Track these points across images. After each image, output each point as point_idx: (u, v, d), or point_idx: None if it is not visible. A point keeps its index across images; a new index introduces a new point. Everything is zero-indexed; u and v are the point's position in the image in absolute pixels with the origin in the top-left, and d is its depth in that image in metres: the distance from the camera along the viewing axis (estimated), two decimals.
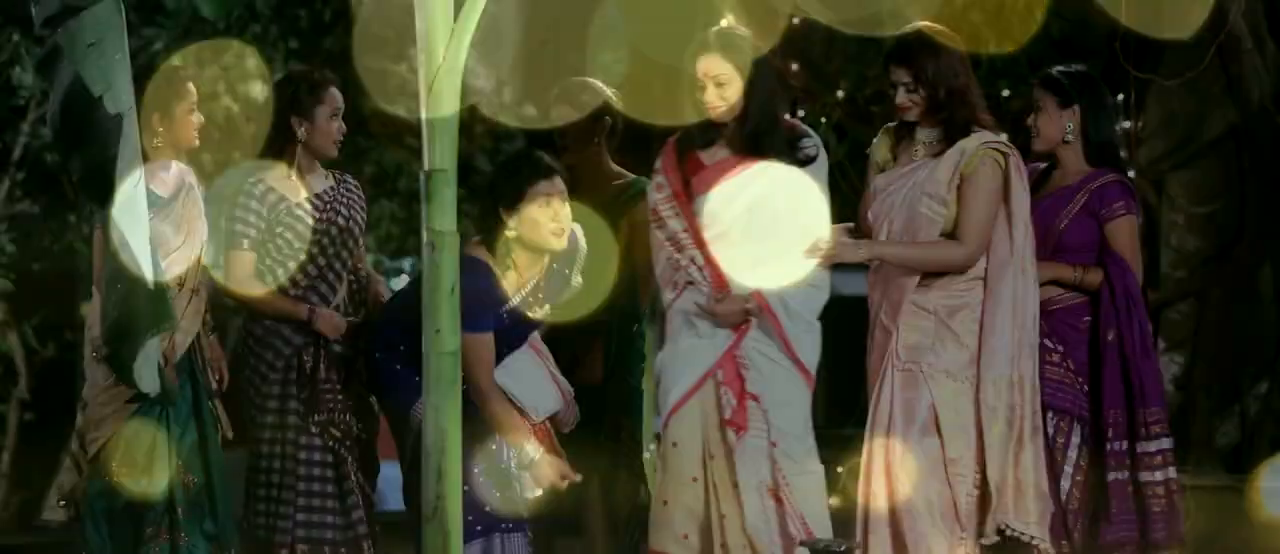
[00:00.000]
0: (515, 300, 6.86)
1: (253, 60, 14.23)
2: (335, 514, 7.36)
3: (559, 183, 6.80)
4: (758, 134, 6.71)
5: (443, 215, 5.46)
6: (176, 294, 7.17)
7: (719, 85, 6.68)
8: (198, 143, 7.35)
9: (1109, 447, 6.98)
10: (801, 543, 6.33)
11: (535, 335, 7.06)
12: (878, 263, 6.82)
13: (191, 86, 7.30)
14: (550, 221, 6.76)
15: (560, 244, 6.83)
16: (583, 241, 7.04)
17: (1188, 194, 10.99)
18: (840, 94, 11.80)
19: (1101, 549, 6.99)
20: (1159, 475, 6.99)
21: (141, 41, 13.83)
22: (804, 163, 6.72)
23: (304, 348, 7.35)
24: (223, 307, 7.83)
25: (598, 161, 7.56)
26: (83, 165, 5.16)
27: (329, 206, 7.41)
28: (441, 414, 5.44)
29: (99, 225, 7.03)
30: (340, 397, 7.37)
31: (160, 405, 7.15)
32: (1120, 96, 10.80)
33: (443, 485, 5.45)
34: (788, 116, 6.91)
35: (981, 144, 6.64)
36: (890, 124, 6.95)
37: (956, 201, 6.66)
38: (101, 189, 5.10)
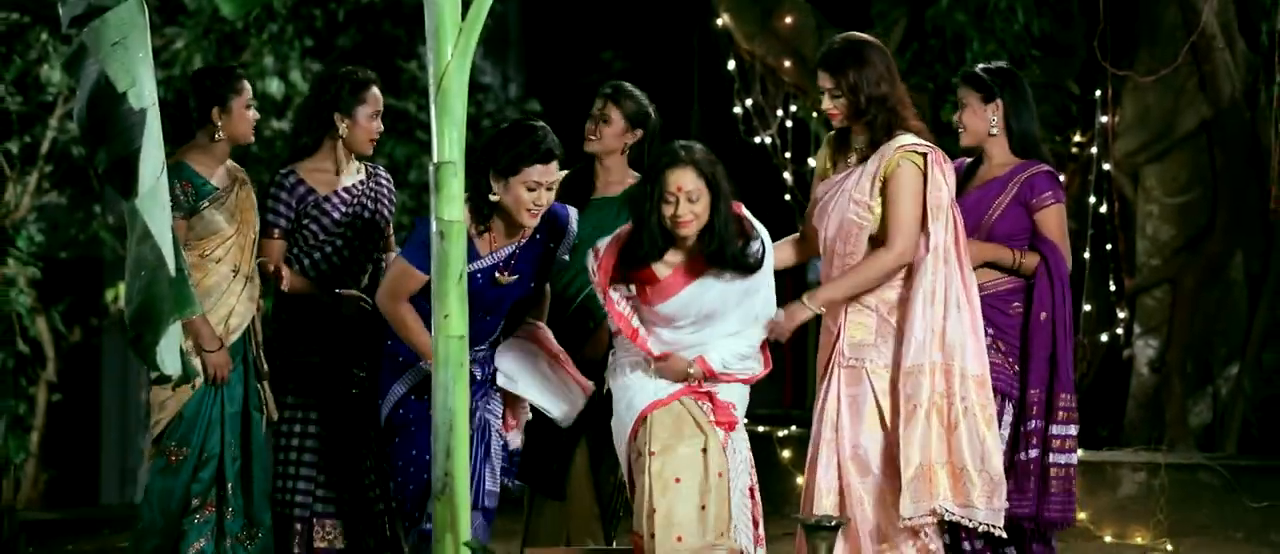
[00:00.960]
0: (485, 261, 6.74)
1: (269, 57, 14.25)
2: (355, 490, 7.39)
3: (555, 169, 6.61)
4: (720, 249, 6.53)
5: (451, 206, 5.46)
6: (232, 280, 7.20)
7: (691, 201, 6.46)
8: (252, 137, 7.36)
9: (1027, 425, 7.00)
10: (795, 517, 6.34)
11: (548, 335, 6.97)
12: (825, 265, 6.86)
13: (246, 83, 7.30)
14: (532, 202, 6.59)
15: (532, 222, 6.67)
16: (574, 225, 6.95)
17: (1162, 185, 11.00)
18: None
19: (1011, 522, 6.99)
20: (1062, 459, 7.02)
21: (164, 40, 13.86)
22: (753, 268, 6.61)
23: (330, 332, 7.37)
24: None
25: (616, 162, 7.55)
26: (108, 158, 5.15)
27: (357, 200, 7.42)
28: (450, 395, 5.44)
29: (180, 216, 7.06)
30: (364, 379, 7.39)
31: (218, 387, 7.19)
32: (1098, 92, 10.82)
33: (451, 463, 5.45)
34: (740, 209, 6.68)
35: (898, 147, 6.68)
36: (831, 133, 6.97)
37: (882, 205, 6.70)
38: (126, 181, 5.10)
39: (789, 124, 12.00)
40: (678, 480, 6.51)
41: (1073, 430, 7.05)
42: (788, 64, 11.89)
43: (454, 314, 5.44)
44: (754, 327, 6.66)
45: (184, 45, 13.90)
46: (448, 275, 5.43)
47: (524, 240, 6.80)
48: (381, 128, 7.47)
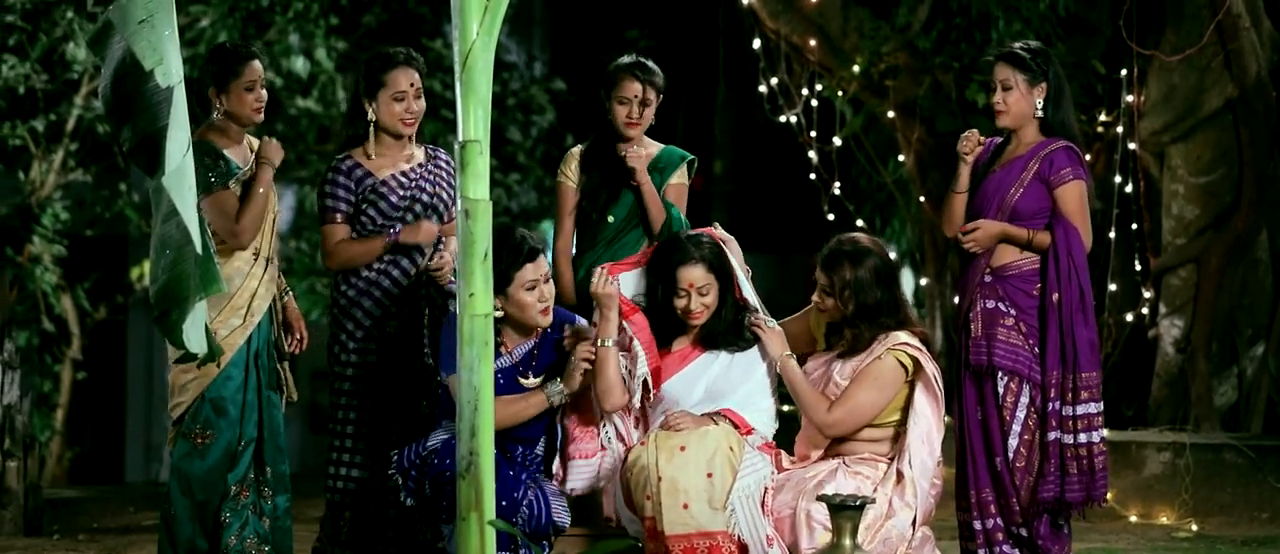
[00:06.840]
0: (504, 361, 6.85)
1: (295, 35, 14.25)
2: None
3: (543, 264, 6.77)
4: (724, 331, 6.91)
5: (476, 184, 5.43)
6: (253, 264, 7.16)
7: (702, 294, 6.84)
8: (260, 119, 7.25)
9: (1049, 407, 7.01)
10: (820, 498, 6.33)
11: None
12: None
13: (254, 65, 7.23)
14: (537, 303, 6.75)
15: (546, 320, 6.81)
16: (583, 323, 7.01)
17: (1187, 165, 10.97)
18: (856, 69, 11.77)
19: (1039, 505, 7.06)
20: (1082, 438, 7.03)
21: (189, 18, 13.87)
22: (751, 341, 6.94)
23: (384, 321, 7.32)
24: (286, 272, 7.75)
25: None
26: (134, 136, 5.15)
27: (414, 184, 7.34)
28: (474, 373, 5.43)
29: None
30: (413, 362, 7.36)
31: (246, 369, 7.16)
32: (1124, 72, 10.79)
33: (476, 442, 5.43)
34: (739, 293, 7.02)
35: (893, 344, 6.79)
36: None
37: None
38: (151, 159, 5.10)
39: (814, 103, 11.98)
40: (683, 449, 6.57)
41: (1093, 409, 7.03)
42: (813, 42, 11.87)
43: (478, 293, 5.42)
44: (762, 400, 6.93)
45: (209, 23, 13.91)
46: (473, 254, 5.41)
47: (539, 337, 6.91)
48: (415, 106, 7.33)
